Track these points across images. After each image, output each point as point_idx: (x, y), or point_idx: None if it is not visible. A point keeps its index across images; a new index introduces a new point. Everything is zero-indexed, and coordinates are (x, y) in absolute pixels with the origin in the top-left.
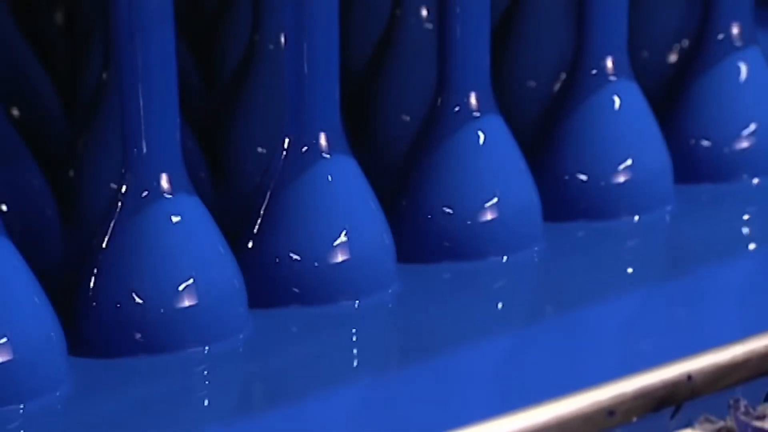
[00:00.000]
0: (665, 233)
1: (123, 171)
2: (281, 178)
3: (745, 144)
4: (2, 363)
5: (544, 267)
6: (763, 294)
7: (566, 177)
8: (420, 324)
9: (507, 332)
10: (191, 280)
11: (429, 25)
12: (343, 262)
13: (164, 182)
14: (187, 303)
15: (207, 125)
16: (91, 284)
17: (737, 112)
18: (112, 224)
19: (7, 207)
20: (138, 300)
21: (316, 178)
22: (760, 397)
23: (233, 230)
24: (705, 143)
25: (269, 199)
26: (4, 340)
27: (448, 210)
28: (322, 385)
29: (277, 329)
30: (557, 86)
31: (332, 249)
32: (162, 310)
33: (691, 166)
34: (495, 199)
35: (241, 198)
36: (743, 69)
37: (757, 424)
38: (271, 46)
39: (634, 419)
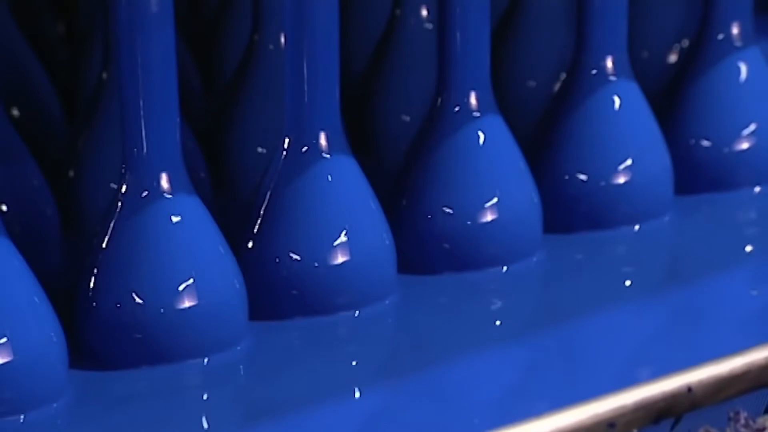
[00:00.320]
0: (665, 241)
1: (123, 171)
2: (281, 178)
3: (745, 144)
4: (2, 364)
5: (543, 276)
6: (763, 306)
7: (566, 177)
8: (419, 328)
9: (506, 343)
10: (191, 280)
11: (429, 25)
12: (343, 262)
13: (164, 182)
14: (187, 303)
15: (207, 125)
16: (91, 284)
17: (737, 112)
18: (112, 224)
19: (7, 207)
20: (138, 300)
21: (316, 178)
22: (760, 409)
23: (233, 230)
24: (705, 143)
25: (269, 199)
26: (4, 340)
27: (448, 210)
28: (323, 393)
29: (278, 330)
30: (557, 86)
31: (332, 249)
32: (162, 310)
33: (691, 165)
34: (495, 199)
35: (241, 198)
36: (743, 69)
37: None
38: (271, 46)
39: (635, 431)
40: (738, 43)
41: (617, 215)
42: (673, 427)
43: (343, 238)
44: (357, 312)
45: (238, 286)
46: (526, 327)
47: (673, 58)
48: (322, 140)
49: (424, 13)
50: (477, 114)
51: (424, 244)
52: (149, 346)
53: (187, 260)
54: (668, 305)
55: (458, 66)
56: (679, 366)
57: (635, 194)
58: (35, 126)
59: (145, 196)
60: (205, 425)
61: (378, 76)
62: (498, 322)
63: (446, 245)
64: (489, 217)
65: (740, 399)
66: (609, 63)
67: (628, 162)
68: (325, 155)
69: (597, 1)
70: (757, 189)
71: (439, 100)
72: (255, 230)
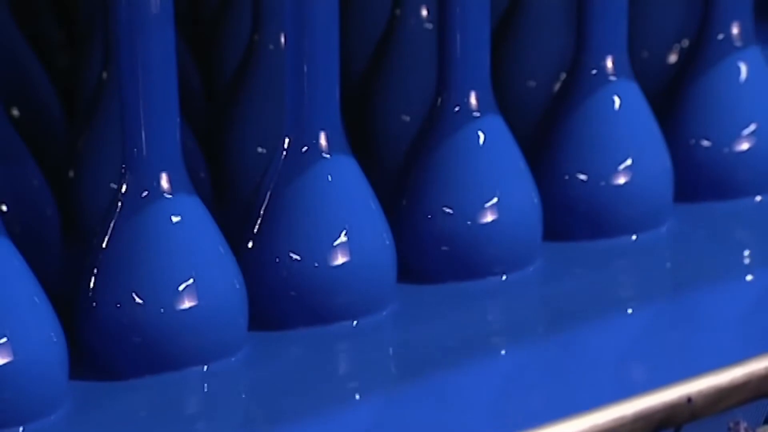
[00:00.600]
0: (664, 247)
1: (123, 171)
2: (281, 178)
3: (745, 144)
4: (2, 364)
5: (542, 283)
6: (762, 316)
7: (566, 177)
8: (417, 333)
9: (504, 353)
10: (191, 280)
11: (429, 25)
12: (343, 262)
13: (164, 182)
14: (187, 303)
15: (207, 125)
16: (91, 284)
17: (737, 112)
18: (112, 224)
19: (7, 207)
20: (138, 300)
21: (316, 178)
22: (759, 419)
23: (233, 230)
24: (705, 143)
25: (269, 199)
26: (4, 340)
27: (448, 210)
28: (323, 400)
29: (278, 330)
30: (557, 86)
31: (332, 249)
32: (162, 310)
33: (691, 165)
34: (495, 199)
35: (241, 198)
36: (743, 69)
37: None
38: (271, 46)
39: None
40: (738, 43)
41: (617, 216)
42: None
43: (343, 238)
44: (357, 312)
45: (238, 286)
46: (525, 336)
47: (673, 58)
48: (322, 140)
49: (424, 13)
50: (477, 114)
51: (424, 245)
52: (149, 346)
53: (187, 260)
54: (668, 315)
55: (458, 66)
56: (678, 376)
57: (635, 194)
58: (35, 126)
59: (145, 196)
60: None
61: (378, 76)
62: (496, 331)
63: (446, 246)
64: (489, 217)
65: (740, 409)
66: (609, 63)
67: (628, 162)
68: (325, 155)
69: (597, 1)
70: (758, 198)
71: (439, 100)
72: (255, 230)
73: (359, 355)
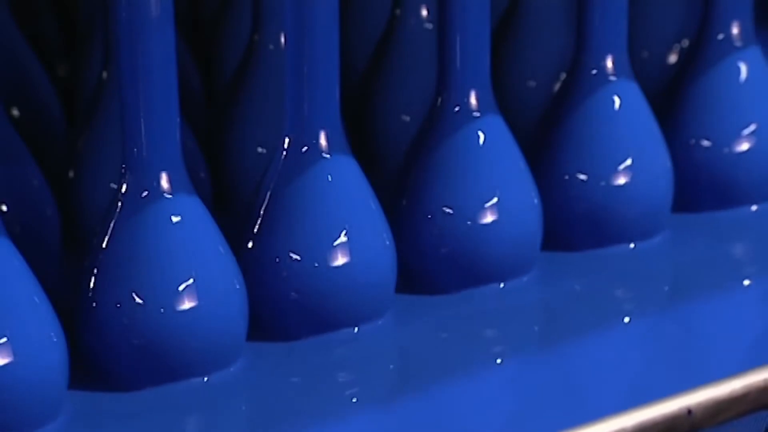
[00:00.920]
0: (664, 254)
1: (123, 171)
2: (281, 178)
3: (745, 144)
4: (2, 365)
5: (541, 293)
6: (763, 327)
7: (566, 177)
8: (415, 342)
9: (503, 363)
10: (191, 280)
11: (429, 25)
12: (343, 262)
13: (164, 182)
14: (187, 303)
15: (207, 125)
16: (91, 284)
17: (737, 112)
18: (112, 224)
19: (7, 207)
20: (138, 300)
21: (316, 178)
22: (759, 431)
23: (233, 230)
24: (705, 143)
25: (269, 199)
26: (4, 340)
27: (448, 210)
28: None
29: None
30: (557, 86)
31: (332, 249)
32: (162, 310)
33: (691, 165)
34: (495, 199)
35: (241, 198)
36: (743, 69)
37: None
38: (271, 46)
39: None
40: (738, 43)
41: (616, 216)
42: None
43: (343, 238)
44: (357, 313)
45: (238, 286)
46: (524, 345)
47: (673, 58)
48: (322, 140)
49: (424, 13)
50: (477, 114)
51: (424, 245)
52: (149, 347)
53: (187, 260)
54: (667, 326)
55: (458, 66)
56: (678, 388)
57: (635, 195)
58: (35, 126)
59: (145, 196)
60: None
61: (378, 76)
62: (495, 339)
63: (446, 245)
64: (489, 217)
65: (740, 421)
66: (609, 63)
67: (628, 162)
68: (325, 155)
69: (597, 1)
70: (754, 208)
71: (439, 100)
72: (255, 230)
73: (359, 360)
